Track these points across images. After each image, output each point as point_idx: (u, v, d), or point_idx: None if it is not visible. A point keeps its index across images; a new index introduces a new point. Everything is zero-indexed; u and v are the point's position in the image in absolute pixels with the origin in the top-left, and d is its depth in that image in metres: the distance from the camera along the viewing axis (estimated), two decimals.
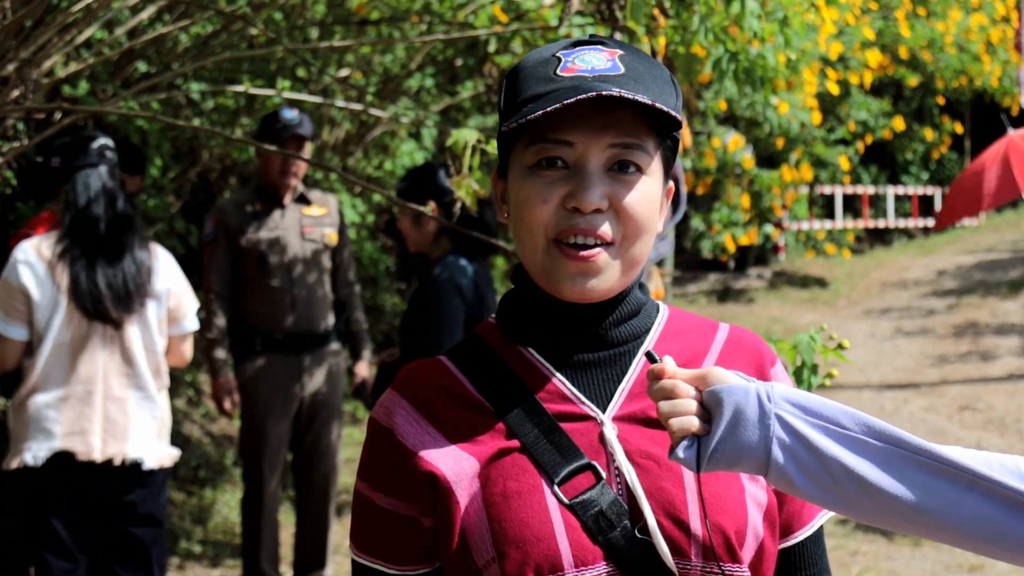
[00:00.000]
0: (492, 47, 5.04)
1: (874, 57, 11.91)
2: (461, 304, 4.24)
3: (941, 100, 16.42)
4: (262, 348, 5.18)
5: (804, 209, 15.55)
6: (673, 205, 4.88)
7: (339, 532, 5.73)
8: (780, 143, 13.18)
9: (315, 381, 5.26)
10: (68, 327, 3.84)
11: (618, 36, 3.65)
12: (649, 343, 1.54)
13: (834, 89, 7.86)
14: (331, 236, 5.32)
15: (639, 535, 1.43)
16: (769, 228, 13.85)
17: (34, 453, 3.81)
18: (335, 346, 5.34)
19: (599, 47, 1.49)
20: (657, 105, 1.41)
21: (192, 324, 4.15)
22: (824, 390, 4.41)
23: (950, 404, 9.08)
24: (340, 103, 5.65)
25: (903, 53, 14.47)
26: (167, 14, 5.48)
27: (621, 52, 1.48)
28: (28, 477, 3.84)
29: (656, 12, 3.65)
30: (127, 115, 4.03)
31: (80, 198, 3.90)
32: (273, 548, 5.29)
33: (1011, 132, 6.91)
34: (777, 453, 1.34)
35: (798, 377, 2.56)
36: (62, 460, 3.82)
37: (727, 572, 1.44)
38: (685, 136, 6.25)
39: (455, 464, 1.47)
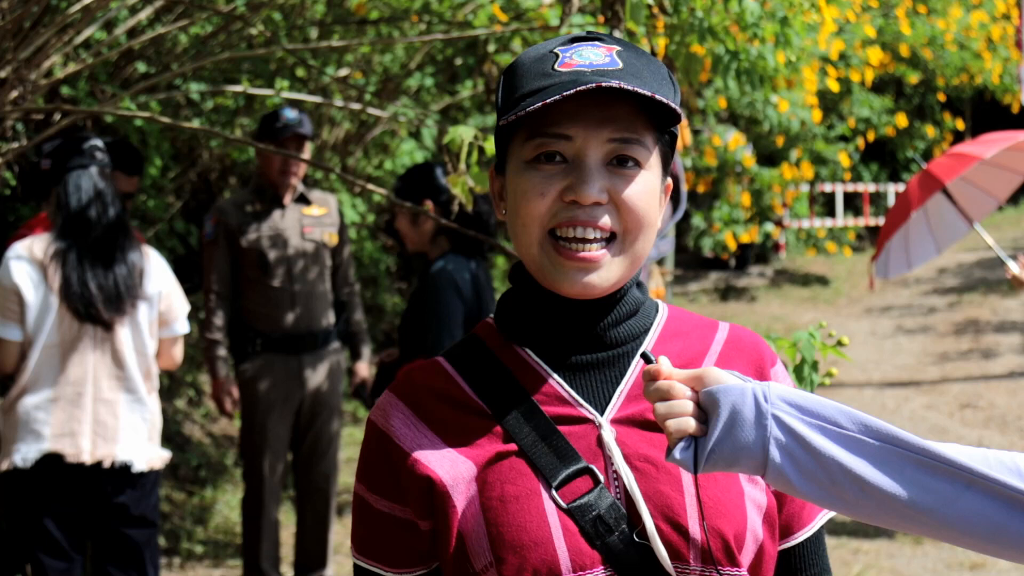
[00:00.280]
0: (492, 47, 5.03)
1: (875, 55, 11.89)
2: (460, 303, 4.23)
3: (942, 97, 16.41)
4: (262, 348, 5.18)
5: (805, 207, 15.54)
6: (673, 203, 4.88)
7: (340, 532, 5.72)
8: (780, 141, 13.17)
9: (315, 381, 5.25)
10: (59, 328, 3.83)
11: (618, 35, 3.65)
12: (648, 343, 1.53)
13: (834, 87, 7.85)
14: (331, 236, 5.32)
15: (637, 539, 1.42)
16: (770, 226, 13.85)
17: (23, 455, 3.81)
18: (335, 345, 5.34)
19: (596, 43, 1.48)
20: (657, 97, 1.40)
21: (183, 327, 4.13)
22: (825, 388, 4.40)
23: (951, 402, 9.07)
24: (339, 103, 5.64)
25: (904, 51, 14.45)
26: (166, 14, 5.48)
27: (619, 48, 1.47)
28: (18, 479, 3.84)
29: (656, 11, 3.65)
30: (126, 115, 4.03)
31: (71, 199, 3.89)
32: (274, 548, 5.29)
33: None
34: (774, 453, 1.34)
35: (798, 375, 2.55)
36: (51, 462, 3.82)
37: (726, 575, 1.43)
38: (685, 135, 6.24)
39: (452, 468, 1.46)
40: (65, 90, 5.30)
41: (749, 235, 13.39)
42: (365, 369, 5.50)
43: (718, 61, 3.69)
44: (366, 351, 5.54)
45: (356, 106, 5.34)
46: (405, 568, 1.52)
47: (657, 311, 1.57)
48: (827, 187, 15.98)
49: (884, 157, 17.59)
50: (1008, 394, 9.09)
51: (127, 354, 3.92)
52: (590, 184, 1.43)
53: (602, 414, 1.48)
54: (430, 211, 4.39)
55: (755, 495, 1.49)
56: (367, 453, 1.53)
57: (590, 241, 1.44)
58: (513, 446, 1.46)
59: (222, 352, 5.18)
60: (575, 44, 1.48)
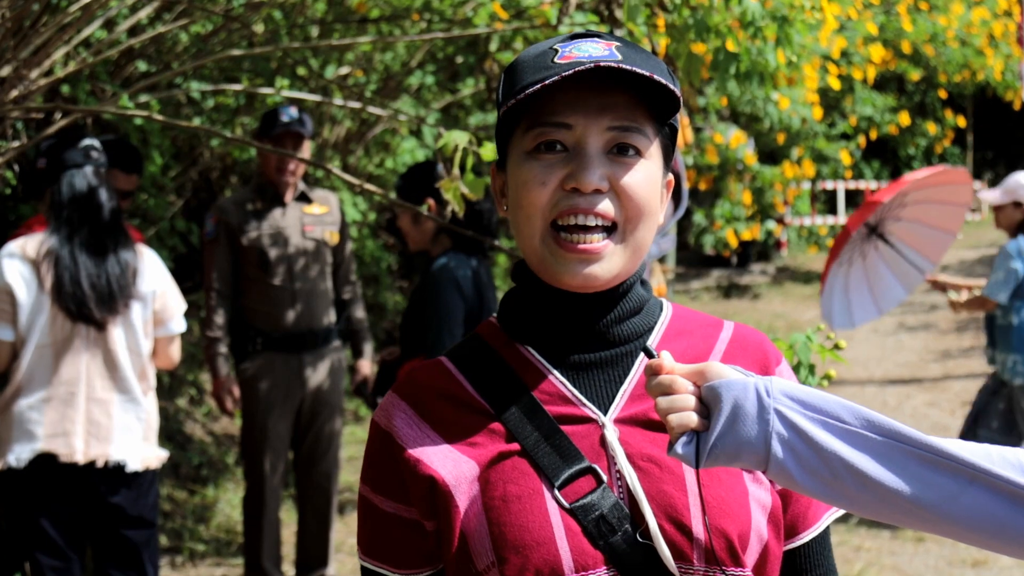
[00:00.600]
0: (493, 45, 5.02)
1: (877, 52, 11.89)
2: (460, 302, 4.22)
3: (943, 94, 16.40)
4: (263, 347, 5.17)
5: (806, 205, 15.55)
6: (675, 201, 4.87)
7: (341, 530, 5.73)
8: (781, 138, 13.17)
9: (316, 379, 5.25)
10: (52, 328, 3.82)
11: (618, 34, 3.64)
12: (652, 341, 1.52)
13: (835, 84, 7.85)
14: (332, 235, 5.32)
15: (640, 539, 1.41)
16: (771, 224, 13.84)
17: (17, 455, 3.80)
18: (336, 344, 5.34)
19: (596, 39, 1.48)
20: (655, 77, 1.40)
21: (179, 326, 4.10)
22: (826, 386, 4.40)
23: (953, 399, 9.06)
24: (339, 101, 5.64)
25: (905, 47, 14.44)
26: (166, 13, 5.47)
27: (618, 43, 1.47)
28: (12, 479, 3.84)
29: (657, 10, 3.64)
30: (125, 114, 4.02)
31: (65, 199, 3.88)
32: (275, 547, 5.29)
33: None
34: (776, 448, 1.33)
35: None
36: (45, 462, 3.81)
37: None
38: (687, 133, 6.25)
39: (454, 467, 1.46)
40: (65, 89, 5.30)
41: (751, 232, 13.38)
42: (367, 367, 5.50)
43: (718, 62, 3.68)
44: (367, 349, 5.53)
45: (355, 104, 5.33)
46: (412, 569, 1.51)
47: (661, 309, 1.57)
48: (828, 184, 15.98)
49: (886, 154, 17.60)
50: None
51: (120, 354, 3.91)
52: (591, 171, 1.42)
53: (605, 413, 1.48)
54: (431, 209, 4.38)
55: (759, 495, 1.48)
56: (371, 454, 1.53)
57: (591, 230, 1.44)
58: (516, 446, 1.45)
59: (223, 350, 5.17)
60: (575, 40, 1.48)
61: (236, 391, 5.19)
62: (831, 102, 14.28)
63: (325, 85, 7.03)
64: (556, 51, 1.46)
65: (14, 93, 3.87)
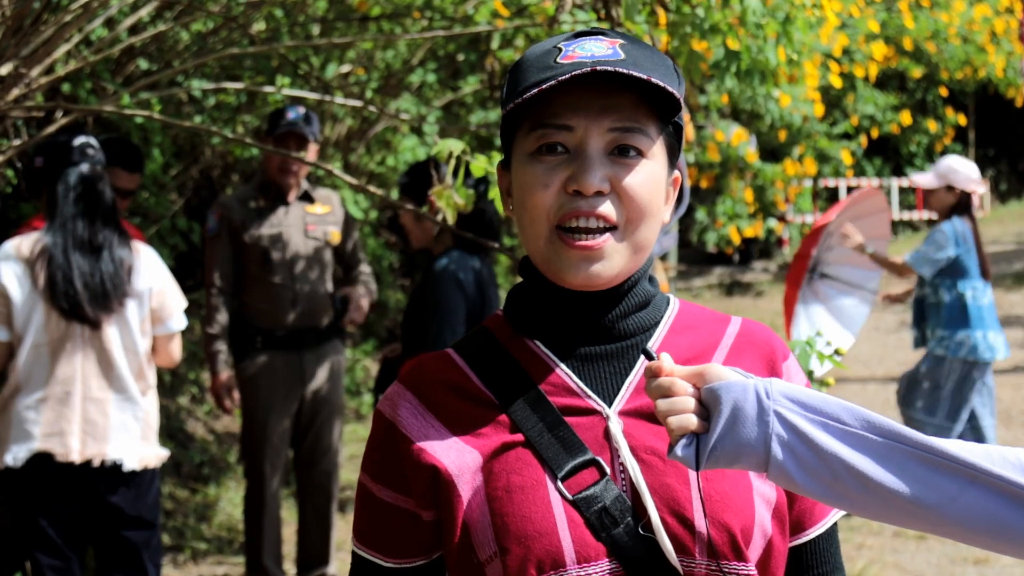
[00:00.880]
0: (495, 43, 5.02)
1: (879, 50, 11.88)
2: (462, 299, 4.23)
3: (944, 92, 16.38)
4: (263, 345, 5.17)
5: (808, 202, 15.54)
6: (676, 199, 4.88)
7: (342, 529, 5.72)
8: (782, 135, 13.17)
9: (316, 378, 5.25)
10: (47, 327, 3.80)
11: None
12: (658, 337, 1.53)
13: (836, 82, 7.84)
14: (334, 234, 5.32)
15: (643, 532, 1.42)
16: (773, 222, 13.84)
17: (14, 455, 3.80)
18: (336, 343, 5.34)
19: (600, 37, 1.48)
20: (653, 80, 1.40)
21: (179, 323, 4.07)
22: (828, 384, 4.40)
23: None
24: (339, 99, 5.64)
25: (907, 44, 14.43)
26: (167, 11, 5.47)
27: (622, 41, 1.47)
28: (10, 478, 3.84)
29: (657, 8, 3.63)
30: (125, 113, 4.02)
31: (61, 197, 3.87)
32: (276, 545, 5.29)
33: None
34: (776, 450, 1.33)
35: None
36: (42, 461, 3.81)
37: (732, 570, 1.42)
38: (688, 130, 6.25)
39: (458, 457, 1.46)
40: (66, 87, 5.30)
41: (753, 230, 13.38)
42: (353, 292, 5.34)
43: (718, 62, 3.68)
44: (362, 289, 5.40)
45: (356, 103, 5.33)
46: (405, 558, 1.52)
47: (668, 305, 1.57)
48: (830, 182, 15.97)
49: (887, 152, 17.57)
50: (1012, 388, 9.07)
51: (116, 352, 3.89)
52: (592, 173, 1.43)
53: (610, 406, 1.48)
54: (432, 209, 4.38)
55: (764, 490, 1.48)
56: (374, 443, 1.53)
57: (593, 231, 1.44)
58: (520, 436, 1.46)
59: (222, 348, 5.17)
60: (579, 38, 1.48)
61: (235, 390, 5.19)
62: (832, 100, 14.26)
63: (326, 83, 7.03)
64: (560, 50, 1.46)
65: (15, 91, 3.87)
